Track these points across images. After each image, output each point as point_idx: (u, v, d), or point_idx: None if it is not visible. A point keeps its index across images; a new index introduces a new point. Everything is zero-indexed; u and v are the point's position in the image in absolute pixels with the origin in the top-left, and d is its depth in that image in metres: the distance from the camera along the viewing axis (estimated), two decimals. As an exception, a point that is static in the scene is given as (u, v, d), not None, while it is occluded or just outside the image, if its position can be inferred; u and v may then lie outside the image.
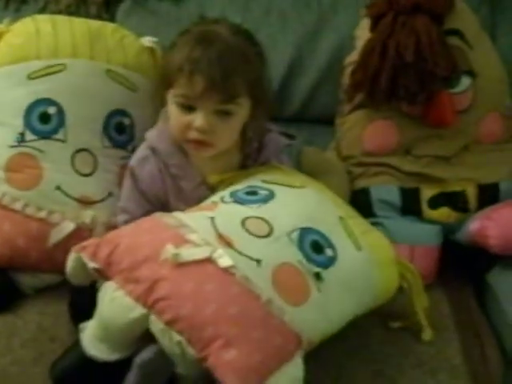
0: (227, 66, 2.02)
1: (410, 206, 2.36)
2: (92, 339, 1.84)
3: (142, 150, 2.22)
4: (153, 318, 1.77)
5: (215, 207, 1.98)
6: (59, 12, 2.53)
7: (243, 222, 1.91)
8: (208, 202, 2.04)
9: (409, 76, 2.27)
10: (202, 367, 1.75)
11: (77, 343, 1.89)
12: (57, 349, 2.01)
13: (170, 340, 1.75)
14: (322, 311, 1.87)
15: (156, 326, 1.76)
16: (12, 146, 2.27)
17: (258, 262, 1.83)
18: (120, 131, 2.35)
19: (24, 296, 2.23)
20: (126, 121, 2.36)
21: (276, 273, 1.83)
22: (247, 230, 1.89)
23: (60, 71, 2.29)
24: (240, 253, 1.84)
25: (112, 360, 1.83)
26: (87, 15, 2.55)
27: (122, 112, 2.35)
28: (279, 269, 1.84)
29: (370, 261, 2.00)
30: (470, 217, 2.33)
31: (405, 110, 2.37)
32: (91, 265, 1.85)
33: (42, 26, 2.34)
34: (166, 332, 1.75)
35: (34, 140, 2.27)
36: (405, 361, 2.05)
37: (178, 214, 1.95)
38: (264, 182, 2.09)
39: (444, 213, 2.35)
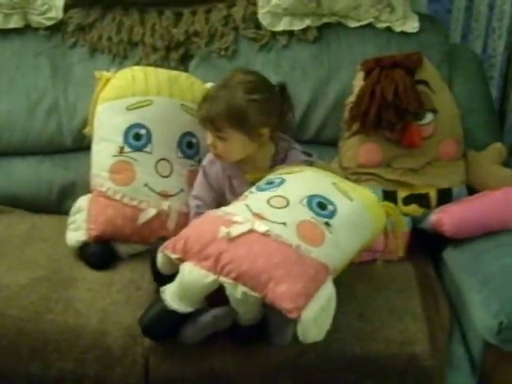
0: (211, 110, 2.13)
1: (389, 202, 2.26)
2: (174, 297, 1.87)
3: (210, 156, 2.27)
4: (222, 279, 1.82)
5: (246, 197, 2.02)
6: (149, 65, 2.54)
7: (268, 201, 1.96)
8: (242, 196, 2.07)
9: (389, 112, 2.30)
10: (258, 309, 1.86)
11: (156, 301, 1.93)
12: (141, 295, 2.10)
13: (237, 291, 1.81)
14: (336, 247, 1.93)
15: (226, 284, 1.82)
16: (114, 156, 2.31)
17: (284, 223, 1.89)
18: (189, 147, 2.38)
19: (120, 259, 2.28)
20: (194, 140, 2.39)
21: (298, 228, 1.89)
22: (272, 206, 1.94)
23: (148, 105, 2.34)
24: (271, 221, 1.89)
25: (187, 312, 1.87)
26: (168, 67, 2.56)
27: (191, 134, 2.38)
28: (300, 225, 1.90)
29: (361, 206, 2.04)
30: (431, 211, 2.32)
31: (386, 136, 2.37)
32: (174, 256, 1.90)
33: (137, 73, 2.39)
34: (234, 286, 1.81)
35: (130, 152, 2.31)
36: (381, 308, 2.06)
37: (223, 208, 2.00)
38: (276, 174, 2.12)
39: (413, 208, 2.36)
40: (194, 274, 1.85)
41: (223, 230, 1.86)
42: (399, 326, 2.01)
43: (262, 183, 2.08)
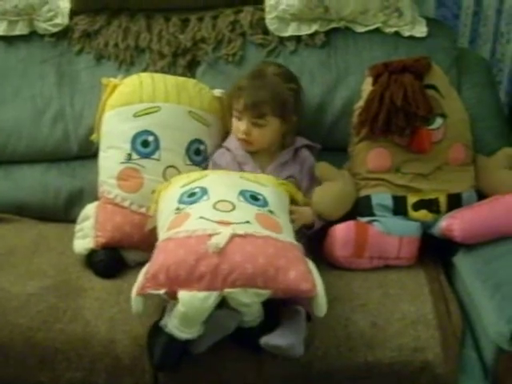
0: (258, 97, 2.24)
1: (399, 208, 2.33)
2: (180, 328, 1.83)
3: (219, 150, 2.38)
4: (228, 290, 1.79)
5: (188, 215, 1.95)
6: (156, 71, 2.53)
7: (216, 208, 1.95)
8: (173, 217, 1.98)
9: (398, 116, 2.27)
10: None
11: (157, 335, 1.89)
12: (150, 303, 1.96)
13: (246, 296, 1.80)
14: (287, 227, 2.01)
15: (233, 293, 1.80)
16: (122, 163, 2.31)
17: (248, 222, 1.91)
18: (197, 154, 2.37)
19: (128, 267, 2.25)
20: (202, 147, 2.39)
21: (259, 222, 1.93)
22: (224, 210, 1.94)
23: (156, 111, 2.33)
24: (238, 223, 1.89)
25: (198, 335, 1.84)
26: (176, 74, 2.55)
27: (199, 141, 2.38)
28: (257, 218, 1.93)
29: (272, 188, 2.13)
30: (441, 217, 2.30)
31: (396, 141, 2.34)
32: (160, 292, 1.82)
33: (144, 79, 2.38)
34: (243, 293, 1.80)
35: (138, 159, 2.30)
36: (393, 316, 2.04)
37: (183, 229, 1.90)
38: (182, 183, 2.12)
39: (423, 214, 2.32)
40: (195, 301, 1.79)
41: (211, 244, 1.81)
42: (411, 333, 1.99)
43: (183, 197, 2.04)
